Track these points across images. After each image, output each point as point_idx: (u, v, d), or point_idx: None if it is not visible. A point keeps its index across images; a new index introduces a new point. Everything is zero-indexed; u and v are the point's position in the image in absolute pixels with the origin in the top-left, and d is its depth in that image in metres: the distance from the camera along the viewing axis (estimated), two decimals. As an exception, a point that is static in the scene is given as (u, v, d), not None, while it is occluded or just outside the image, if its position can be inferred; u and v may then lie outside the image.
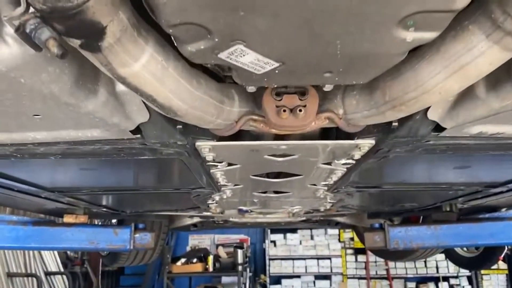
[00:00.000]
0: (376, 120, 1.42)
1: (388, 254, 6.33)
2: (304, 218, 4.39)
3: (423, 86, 1.15)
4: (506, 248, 5.95)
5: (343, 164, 2.00)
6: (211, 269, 9.21)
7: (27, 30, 0.82)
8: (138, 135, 1.56)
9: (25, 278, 7.63)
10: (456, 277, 13.24)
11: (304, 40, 0.97)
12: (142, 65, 1.02)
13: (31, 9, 0.80)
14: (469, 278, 13.10)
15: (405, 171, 2.37)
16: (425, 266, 13.19)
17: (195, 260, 9.13)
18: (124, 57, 0.96)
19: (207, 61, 1.09)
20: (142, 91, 1.10)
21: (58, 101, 1.16)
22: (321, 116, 1.45)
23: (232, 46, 0.98)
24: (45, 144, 1.58)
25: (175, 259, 9.07)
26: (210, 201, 3.05)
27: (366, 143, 1.69)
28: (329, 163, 2.00)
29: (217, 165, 1.99)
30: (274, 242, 13.44)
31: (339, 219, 4.49)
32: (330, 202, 3.16)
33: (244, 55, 1.02)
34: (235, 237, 10.85)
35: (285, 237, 13.30)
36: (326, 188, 2.59)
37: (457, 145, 1.69)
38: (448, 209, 3.08)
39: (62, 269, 8.85)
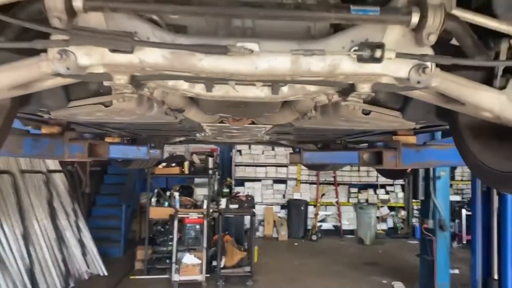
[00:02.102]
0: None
1: (309, 166, 8.71)
2: (257, 141, 6.53)
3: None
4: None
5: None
6: (187, 171, 11.37)
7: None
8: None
9: (33, 174, 9.50)
10: (392, 185, 15.77)
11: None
12: None
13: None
14: (402, 186, 15.67)
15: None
16: (367, 175, 15.64)
17: (173, 164, 11.25)
18: None
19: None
20: None
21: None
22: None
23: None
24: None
25: (156, 163, 11.05)
26: (197, 135, 5.13)
27: None
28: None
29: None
30: (240, 151, 15.73)
31: (282, 142, 6.57)
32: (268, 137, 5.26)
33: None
34: (206, 147, 12.51)
35: (249, 147, 15.53)
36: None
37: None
38: (339, 142, 5.23)
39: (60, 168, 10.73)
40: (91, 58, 1.51)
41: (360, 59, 1.51)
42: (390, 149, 3.64)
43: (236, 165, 15.99)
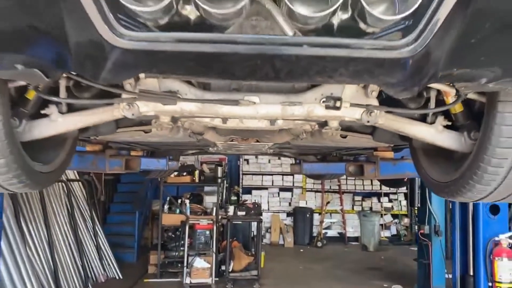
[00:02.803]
0: None
1: (308, 175, 9.50)
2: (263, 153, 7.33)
3: None
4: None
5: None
6: (197, 180, 12.25)
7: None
8: None
9: (55, 183, 10.34)
10: (395, 193, 16.50)
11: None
12: None
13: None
14: (405, 194, 16.34)
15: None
16: (371, 183, 16.38)
17: (185, 173, 12.12)
18: None
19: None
20: None
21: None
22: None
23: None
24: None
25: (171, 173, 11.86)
26: (210, 149, 5.93)
27: None
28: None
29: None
30: (247, 160, 16.55)
31: (285, 153, 7.37)
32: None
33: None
34: (215, 157, 13.37)
35: (256, 157, 16.32)
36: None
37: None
38: (335, 155, 6.03)
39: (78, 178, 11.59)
40: (148, 107, 2.32)
41: (327, 107, 2.30)
42: (370, 163, 4.43)
43: (243, 174, 16.80)
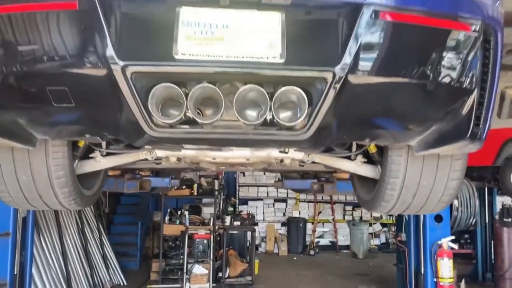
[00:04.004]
0: None
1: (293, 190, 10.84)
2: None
3: None
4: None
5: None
6: (195, 193, 13.55)
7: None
8: None
9: None
10: (384, 203, 17.72)
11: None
12: None
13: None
14: (393, 204, 17.56)
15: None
16: (361, 194, 17.62)
17: (184, 187, 13.41)
18: None
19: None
20: None
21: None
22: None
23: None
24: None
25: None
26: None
27: None
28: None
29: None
30: (243, 173, 17.78)
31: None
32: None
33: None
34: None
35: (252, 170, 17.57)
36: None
37: None
38: (311, 173, 7.34)
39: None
40: (162, 153, 3.62)
41: (280, 152, 3.59)
42: (329, 182, 5.73)
43: (240, 186, 18.07)
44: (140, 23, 2.47)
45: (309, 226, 17.85)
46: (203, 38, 2.41)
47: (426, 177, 3.32)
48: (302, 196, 17.92)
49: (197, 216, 13.39)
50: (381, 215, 17.76)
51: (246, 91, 2.48)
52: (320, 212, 17.93)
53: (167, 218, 13.13)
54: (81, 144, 3.69)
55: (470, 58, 2.57)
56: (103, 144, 3.65)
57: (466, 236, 13.73)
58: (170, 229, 12.95)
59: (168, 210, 13.26)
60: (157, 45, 2.43)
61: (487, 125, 2.81)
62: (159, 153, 3.61)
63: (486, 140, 2.85)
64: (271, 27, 2.42)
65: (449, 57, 2.54)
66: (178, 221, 13.01)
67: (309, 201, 18.10)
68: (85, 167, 3.78)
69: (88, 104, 2.67)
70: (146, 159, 3.83)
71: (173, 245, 13.18)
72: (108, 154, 3.80)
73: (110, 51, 2.35)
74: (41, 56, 2.50)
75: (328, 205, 18.09)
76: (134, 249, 14.50)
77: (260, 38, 2.42)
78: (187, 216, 12.85)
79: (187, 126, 2.63)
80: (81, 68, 2.46)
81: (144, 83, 2.46)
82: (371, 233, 17.58)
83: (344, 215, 18.08)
